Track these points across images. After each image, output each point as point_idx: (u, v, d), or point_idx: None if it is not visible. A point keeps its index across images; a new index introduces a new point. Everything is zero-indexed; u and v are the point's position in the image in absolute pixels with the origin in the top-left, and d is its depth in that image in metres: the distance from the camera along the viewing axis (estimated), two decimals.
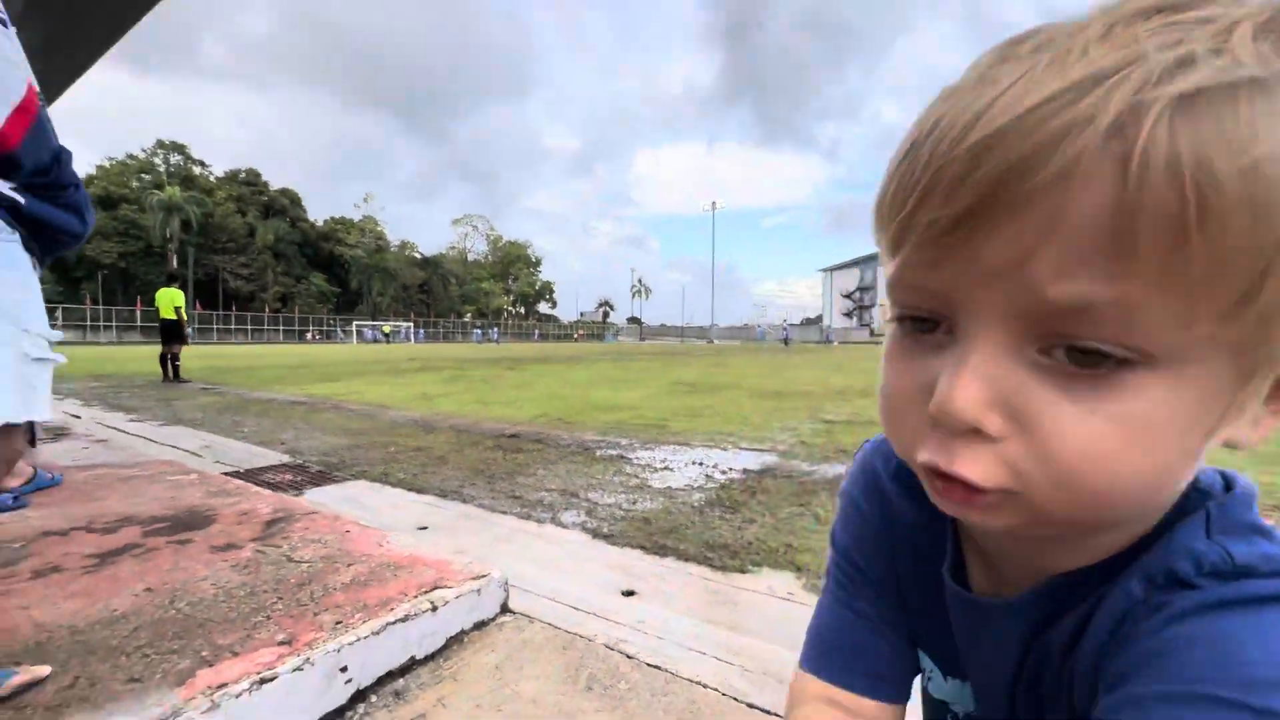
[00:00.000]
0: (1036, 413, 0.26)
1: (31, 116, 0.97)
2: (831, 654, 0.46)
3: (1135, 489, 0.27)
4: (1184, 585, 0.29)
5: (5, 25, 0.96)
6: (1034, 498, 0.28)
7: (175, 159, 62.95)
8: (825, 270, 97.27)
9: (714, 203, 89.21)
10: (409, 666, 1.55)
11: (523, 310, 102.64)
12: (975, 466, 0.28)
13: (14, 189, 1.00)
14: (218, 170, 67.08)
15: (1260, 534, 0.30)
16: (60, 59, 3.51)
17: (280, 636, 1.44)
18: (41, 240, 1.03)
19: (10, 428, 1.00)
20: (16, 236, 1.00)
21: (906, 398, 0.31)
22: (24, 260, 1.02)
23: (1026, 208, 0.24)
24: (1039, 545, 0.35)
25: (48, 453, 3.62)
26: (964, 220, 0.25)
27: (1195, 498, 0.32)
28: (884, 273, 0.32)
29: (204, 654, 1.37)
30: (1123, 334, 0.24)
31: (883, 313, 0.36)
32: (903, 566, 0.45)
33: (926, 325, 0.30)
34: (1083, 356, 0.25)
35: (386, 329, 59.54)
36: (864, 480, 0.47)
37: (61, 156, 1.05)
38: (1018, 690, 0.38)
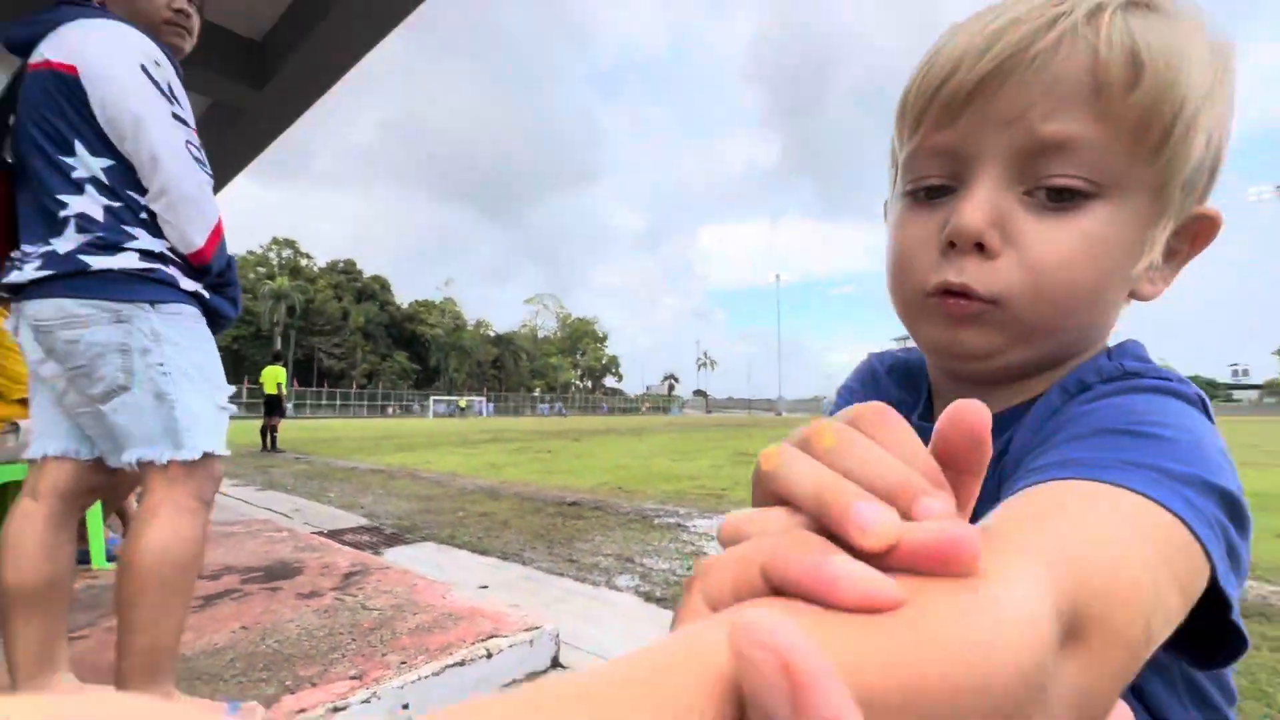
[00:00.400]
0: (1023, 233, 0.37)
1: (220, 235, 1.31)
2: None
3: (1085, 298, 0.38)
4: (1089, 389, 0.39)
5: (199, 153, 1.31)
6: (1015, 308, 0.38)
7: (286, 253, 70.91)
8: (896, 340, 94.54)
9: (778, 275, 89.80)
10: None
11: (590, 384, 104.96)
12: (979, 275, 0.38)
13: (202, 287, 1.34)
14: (320, 261, 74.94)
15: (1146, 360, 0.41)
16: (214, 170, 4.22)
17: (352, 672, 1.58)
18: (211, 323, 1.35)
19: (212, 457, 1.27)
20: (204, 320, 1.33)
21: (920, 243, 0.41)
22: (209, 336, 1.35)
23: (1029, 70, 0.35)
24: (994, 390, 0.45)
25: None
26: (985, 81, 0.36)
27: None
28: (901, 157, 0.44)
29: (288, 683, 1.52)
30: (1088, 168, 0.36)
31: (893, 190, 0.47)
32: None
33: (938, 192, 0.41)
34: (1057, 195, 0.36)
35: (463, 403, 62.27)
36: (862, 374, 0.59)
37: (231, 263, 1.39)
38: None
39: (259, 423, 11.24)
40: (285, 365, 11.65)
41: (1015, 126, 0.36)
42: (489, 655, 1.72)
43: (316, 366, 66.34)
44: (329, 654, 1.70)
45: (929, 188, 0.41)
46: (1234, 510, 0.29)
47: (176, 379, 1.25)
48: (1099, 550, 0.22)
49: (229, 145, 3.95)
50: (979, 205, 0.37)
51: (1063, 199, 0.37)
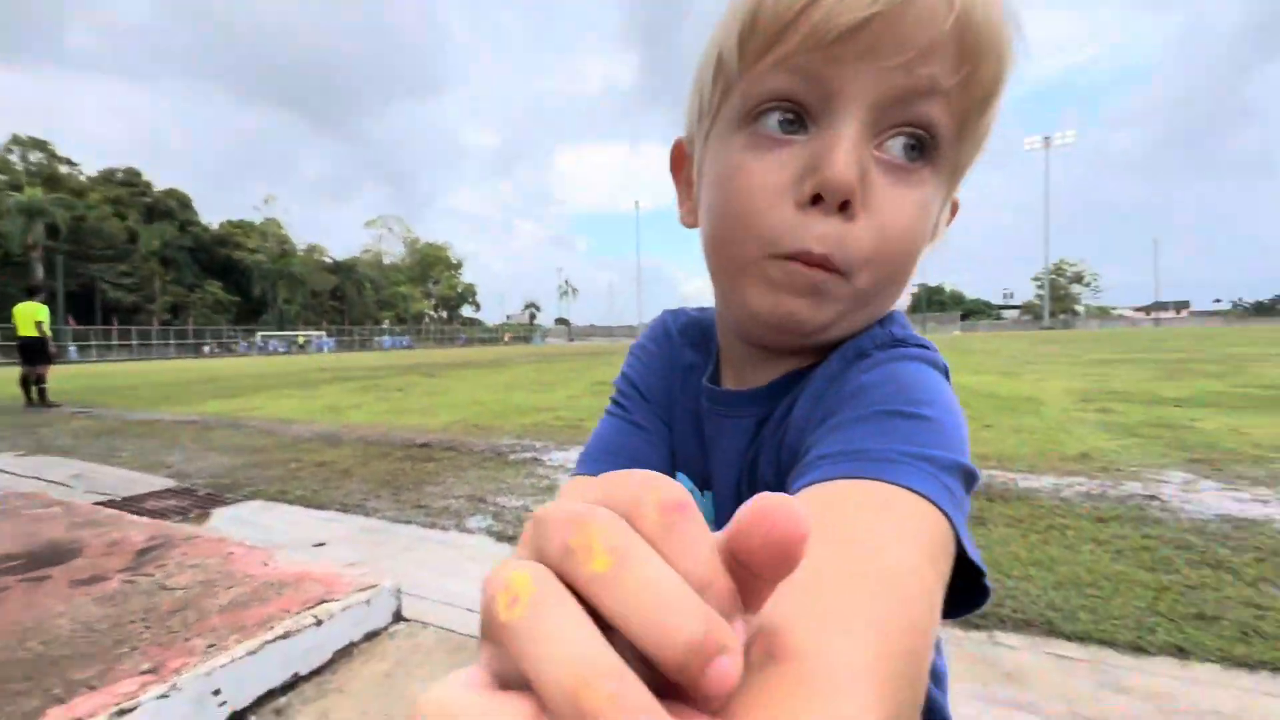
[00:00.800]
0: (878, 193, 0.36)
1: None
2: (608, 457, 0.51)
3: (911, 264, 0.40)
4: (866, 356, 0.41)
5: None
6: (861, 280, 0.38)
7: (36, 157, 56.14)
8: None
9: (637, 202, 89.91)
10: (292, 684, 1.54)
11: (445, 315, 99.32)
12: (839, 243, 0.36)
13: None
14: (89, 169, 60.48)
15: (908, 328, 0.44)
16: None
17: (145, 665, 1.39)
18: None
19: None
20: None
21: (774, 192, 0.37)
22: None
23: (913, 18, 0.33)
24: (784, 358, 0.46)
25: None
26: (873, 19, 0.33)
27: None
28: (739, 78, 0.38)
29: (55, 691, 1.30)
30: (938, 120, 0.36)
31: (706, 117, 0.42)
32: (675, 394, 0.55)
33: (791, 123, 0.37)
34: (910, 151, 0.36)
35: (301, 339, 55.92)
36: (655, 331, 0.59)
37: None
38: (742, 482, 0.48)
39: (16, 371, 9.16)
40: (50, 300, 9.45)
41: (893, 67, 0.34)
42: (318, 623, 1.61)
43: (100, 300, 55.06)
44: (114, 649, 1.48)
45: (783, 120, 0.37)
46: (969, 481, 0.34)
47: None
48: (892, 592, 0.25)
49: None
50: (850, 157, 0.35)
51: (914, 157, 0.37)
